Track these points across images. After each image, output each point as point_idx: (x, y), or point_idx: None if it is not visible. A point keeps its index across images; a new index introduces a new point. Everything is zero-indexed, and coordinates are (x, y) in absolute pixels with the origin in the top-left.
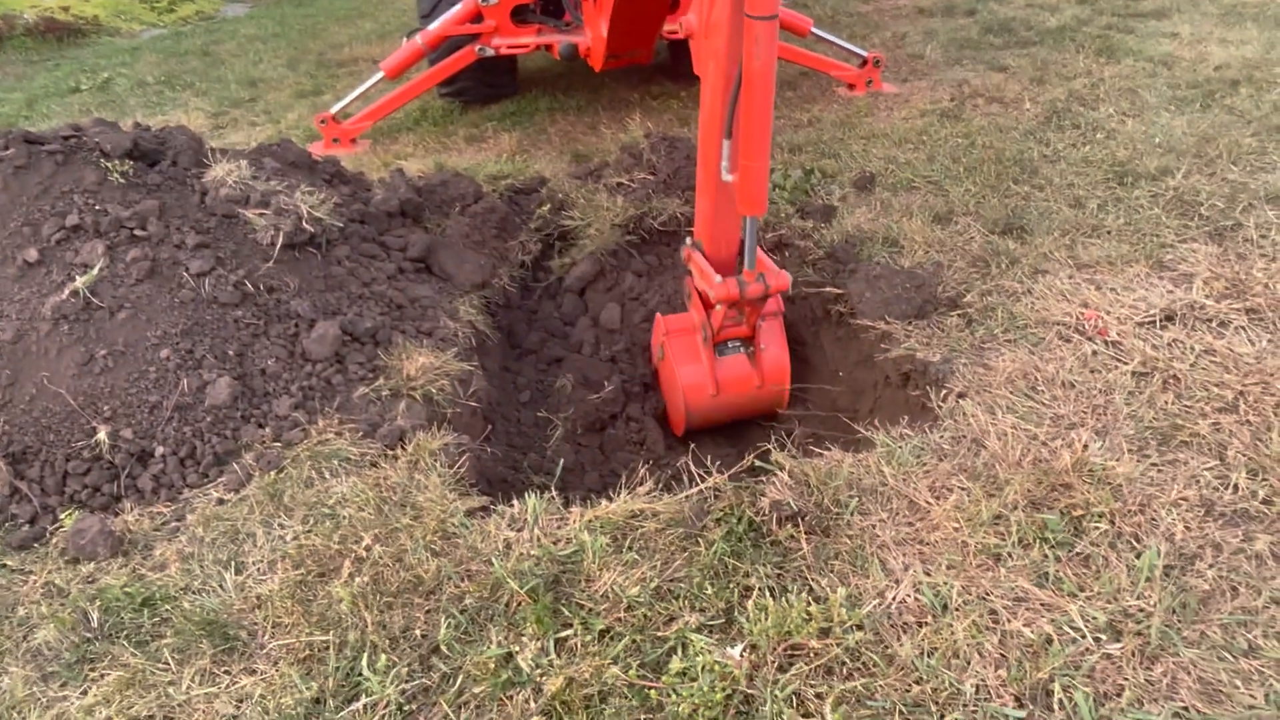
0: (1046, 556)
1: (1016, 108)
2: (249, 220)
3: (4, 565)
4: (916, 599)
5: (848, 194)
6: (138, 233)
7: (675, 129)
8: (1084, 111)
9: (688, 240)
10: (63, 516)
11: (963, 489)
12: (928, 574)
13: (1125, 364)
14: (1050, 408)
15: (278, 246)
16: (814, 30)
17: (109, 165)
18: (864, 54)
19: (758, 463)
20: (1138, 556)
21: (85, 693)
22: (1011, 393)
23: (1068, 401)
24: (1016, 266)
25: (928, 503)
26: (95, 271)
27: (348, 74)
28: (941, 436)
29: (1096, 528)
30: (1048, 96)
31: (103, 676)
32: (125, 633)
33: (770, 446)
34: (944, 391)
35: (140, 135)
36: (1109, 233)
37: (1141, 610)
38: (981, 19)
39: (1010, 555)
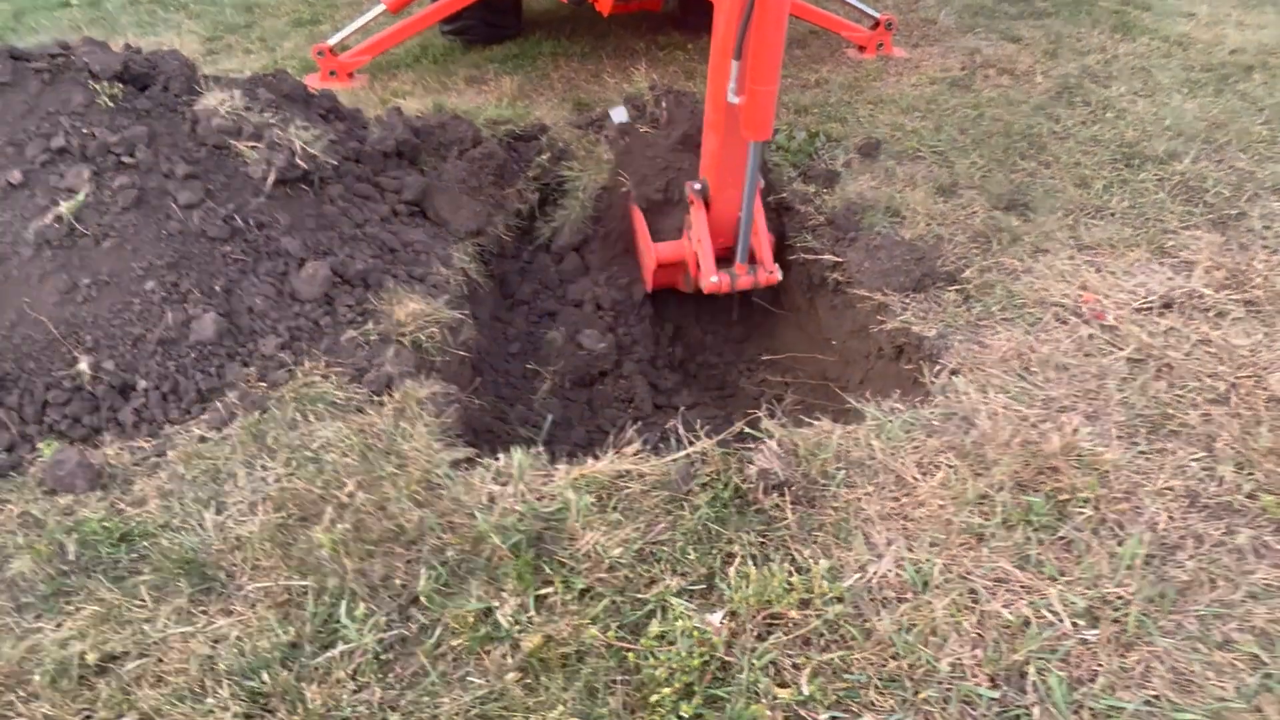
0: (1029, 539)
1: (1028, 81)
2: (241, 153)
3: None
4: (898, 575)
5: (852, 160)
6: (125, 159)
7: (681, 82)
8: (1095, 89)
9: (695, 185)
10: (41, 446)
11: (950, 467)
12: (910, 550)
13: (1120, 350)
14: (1043, 390)
15: (269, 182)
16: None
17: (98, 87)
18: (876, 16)
19: (747, 430)
20: (1120, 544)
21: (59, 625)
22: (1005, 372)
23: (1060, 384)
24: (1018, 244)
25: (914, 479)
26: (81, 197)
27: (347, 3)
28: (932, 413)
29: (1081, 513)
30: (1060, 71)
31: (78, 610)
32: (102, 567)
33: (760, 414)
34: (937, 367)
35: (131, 58)
36: (1113, 215)
37: (1120, 598)
38: None
39: (993, 536)
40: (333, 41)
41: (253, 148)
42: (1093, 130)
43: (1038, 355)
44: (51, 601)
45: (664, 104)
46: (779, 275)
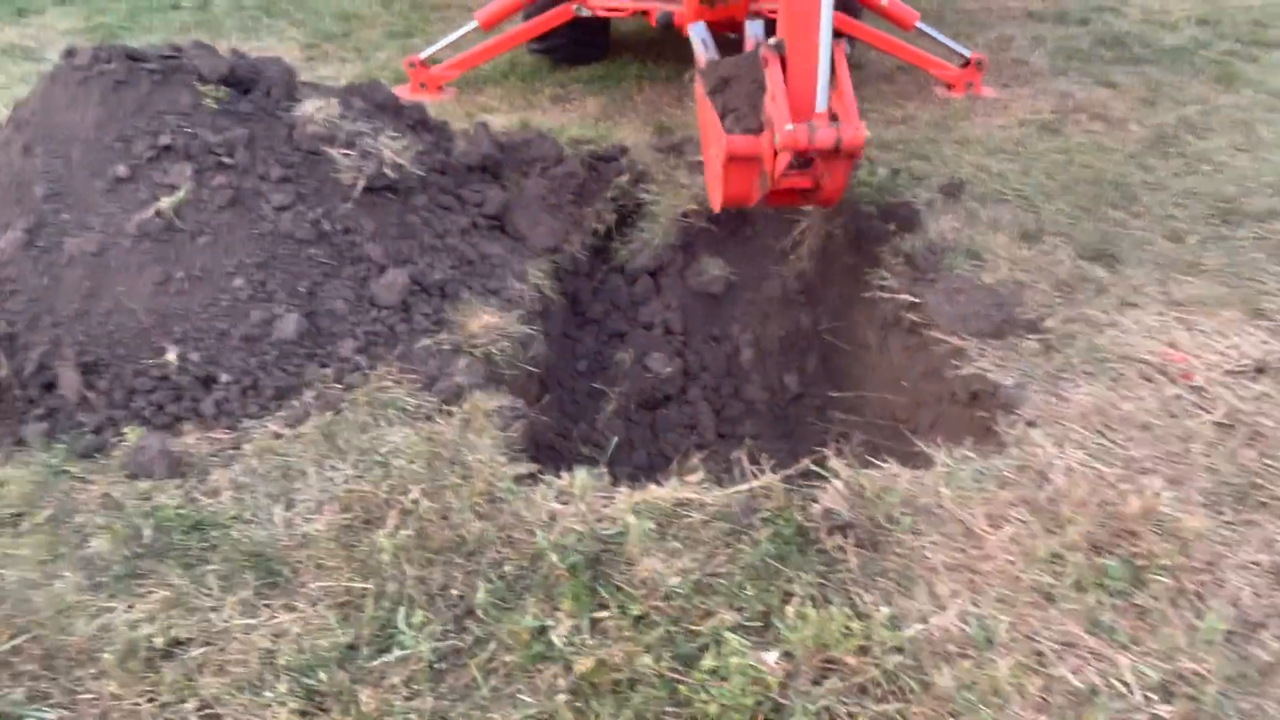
0: (1102, 604)
1: (1121, 128)
2: (333, 159)
3: (67, 471)
4: (961, 629)
5: (935, 199)
6: (225, 160)
7: None
8: (1193, 140)
9: (769, 40)
10: (126, 431)
11: (1022, 521)
12: (975, 604)
13: (1208, 413)
14: (1123, 449)
15: (358, 189)
16: (919, 25)
17: (204, 89)
18: (967, 54)
19: (813, 467)
20: (1199, 617)
21: (131, 607)
22: (1084, 428)
23: (1143, 444)
24: (1104, 296)
25: (983, 531)
26: (181, 194)
27: (440, 18)
28: (1005, 464)
29: (1158, 580)
30: (1156, 120)
31: (149, 593)
32: (174, 553)
33: (828, 452)
34: (1013, 417)
35: (237, 63)
36: (1206, 272)
37: (1197, 674)
38: (1095, 30)
39: (1064, 597)
40: (425, 55)
41: (345, 155)
42: (1188, 183)
43: (1119, 413)
44: (125, 583)
45: None
46: (865, 132)
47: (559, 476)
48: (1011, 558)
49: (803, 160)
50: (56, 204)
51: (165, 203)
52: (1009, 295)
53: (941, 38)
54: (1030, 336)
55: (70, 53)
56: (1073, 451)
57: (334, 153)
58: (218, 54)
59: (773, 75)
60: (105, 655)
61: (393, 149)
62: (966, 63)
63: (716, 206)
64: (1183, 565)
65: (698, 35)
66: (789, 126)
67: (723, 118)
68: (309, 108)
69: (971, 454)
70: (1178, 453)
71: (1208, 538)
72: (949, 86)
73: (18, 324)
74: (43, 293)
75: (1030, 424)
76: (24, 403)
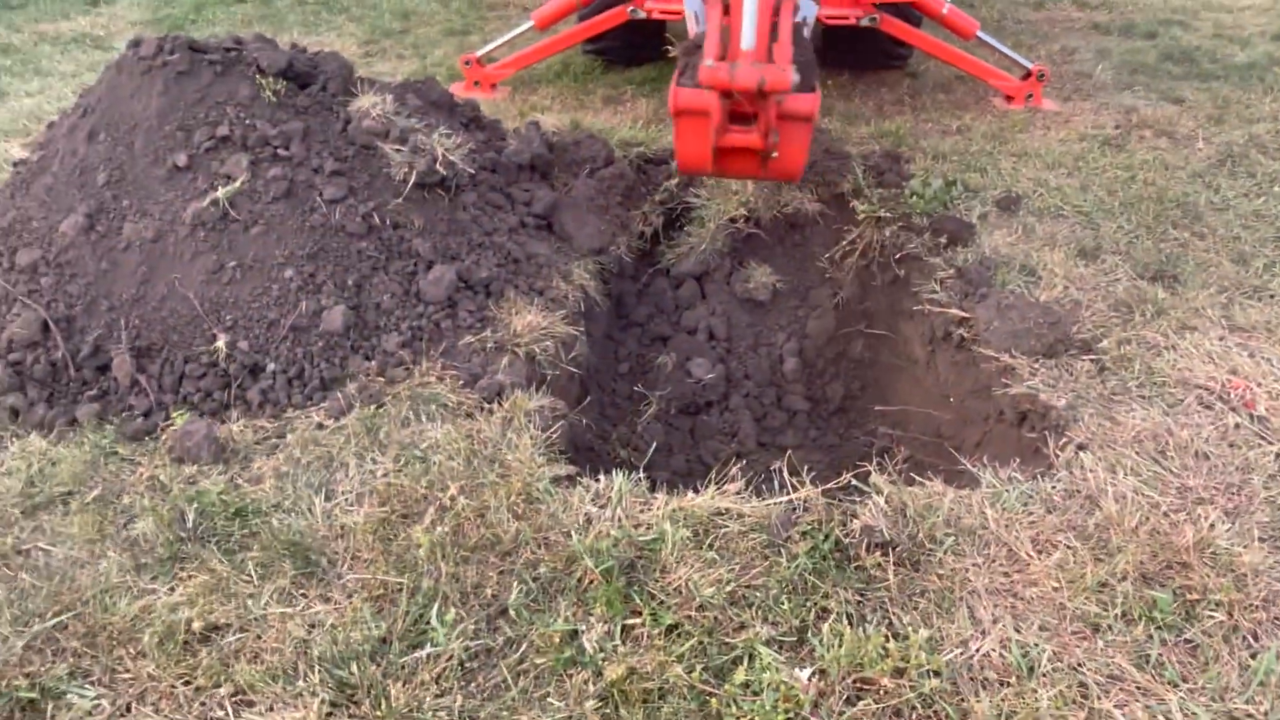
0: (1151, 637)
1: (1187, 146)
2: (386, 154)
3: (116, 453)
4: (1002, 655)
5: (989, 213)
6: (280, 152)
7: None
8: (1263, 160)
9: None
10: (174, 415)
11: (1069, 547)
12: (1018, 631)
13: (1270, 444)
14: (1178, 477)
15: (409, 184)
16: (979, 34)
17: (263, 82)
18: (1029, 65)
19: (854, 482)
20: (1253, 656)
21: (173, 590)
22: (1138, 454)
23: (1199, 474)
24: (1163, 318)
25: (1029, 555)
26: (237, 184)
27: (497, 17)
28: (1054, 487)
29: (1211, 616)
30: (1224, 138)
31: (190, 577)
32: (216, 538)
33: (870, 467)
34: (1064, 440)
35: (296, 56)
36: (1273, 297)
37: (1249, 715)
38: (1162, 44)
39: (1111, 628)
40: (480, 53)
41: (397, 150)
42: (1256, 204)
43: (1176, 440)
44: (167, 565)
45: None
46: (792, 76)
47: (596, 480)
48: (1057, 585)
49: (744, 114)
50: (117, 190)
51: (221, 192)
52: (1063, 313)
53: (1002, 48)
54: (1084, 357)
55: (136, 43)
56: (1125, 478)
57: (387, 148)
58: (278, 48)
59: (711, 17)
60: (145, 636)
61: (445, 146)
62: (1028, 74)
63: (679, 169)
64: (1238, 601)
65: (691, 8)
66: (709, 62)
67: (680, 76)
68: (364, 103)
69: (1019, 475)
70: (1236, 484)
71: (1265, 574)
72: (1008, 98)
73: (76, 307)
74: (100, 277)
75: (1081, 447)
76: (78, 384)
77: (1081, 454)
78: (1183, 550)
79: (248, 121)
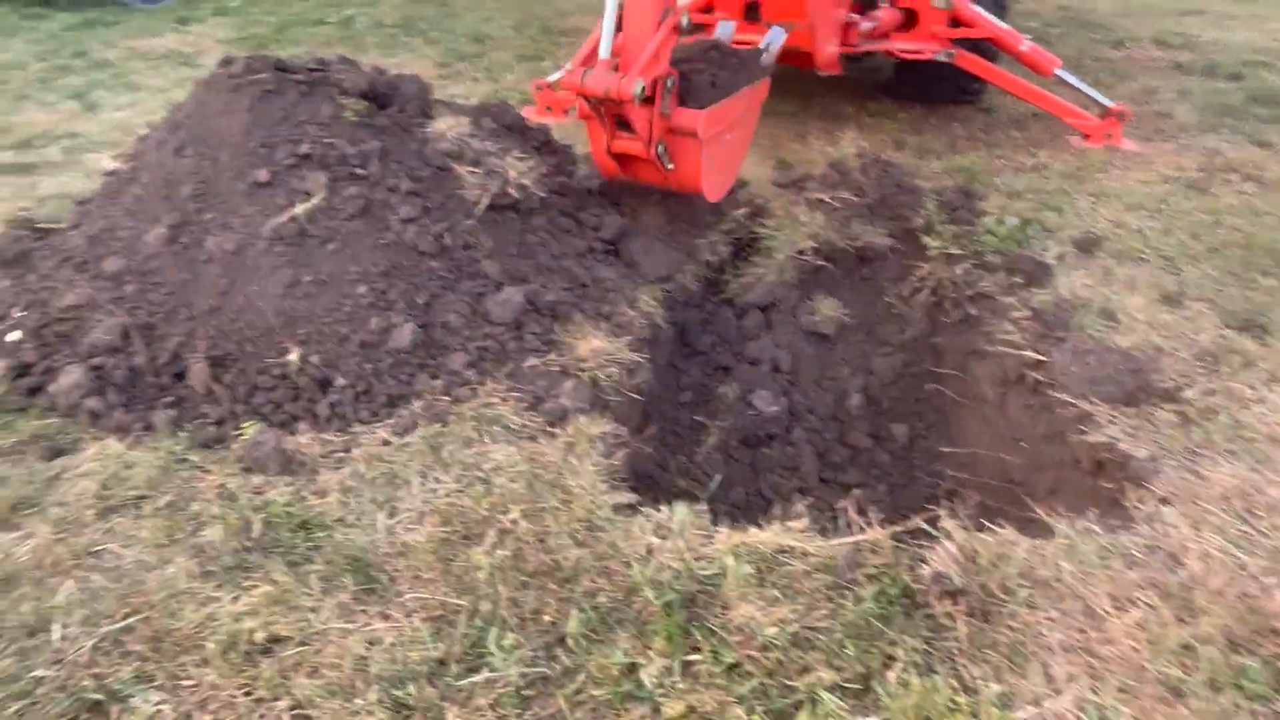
0: (1239, 707)
1: (1276, 191)
2: (460, 176)
3: (188, 460)
4: (1078, 716)
5: (1066, 254)
6: (358, 171)
7: (890, 151)
8: None
9: None
10: (245, 425)
11: (1150, 606)
12: (1095, 692)
13: None
14: (1269, 538)
15: (482, 206)
16: (1058, 72)
17: (345, 102)
18: (1108, 104)
19: (924, 525)
20: None
21: (236, 599)
22: (1224, 511)
23: None
24: (1251, 370)
25: (1106, 612)
26: (315, 201)
27: (569, 43)
28: (1134, 541)
29: None
30: None
31: (254, 587)
32: (281, 550)
33: (940, 511)
34: (1144, 492)
35: (376, 78)
36: None
37: None
38: (1248, 85)
39: (1194, 694)
40: (552, 78)
41: (471, 173)
42: None
43: (1265, 498)
44: (232, 574)
45: (871, 172)
46: (631, 89)
47: (658, 509)
48: (1137, 645)
49: (622, 121)
50: (201, 203)
51: (300, 209)
52: (1145, 361)
53: (1082, 85)
54: (1166, 407)
55: (226, 61)
56: (1210, 536)
57: (461, 170)
58: (359, 69)
59: (601, 25)
60: (209, 644)
61: (518, 169)
62: (1106, 113)
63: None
64: None
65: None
66: (568, 66)
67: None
68: (441, 125)
69: (1096, 527)
70: None
71: None
72: (1086, 136)
73: (158, 314)
74: (181, 287)
75: (1163, 501)
76: (155, 389)
77: (1163, 508)
78: (1273, 616)
79: (328, 140)
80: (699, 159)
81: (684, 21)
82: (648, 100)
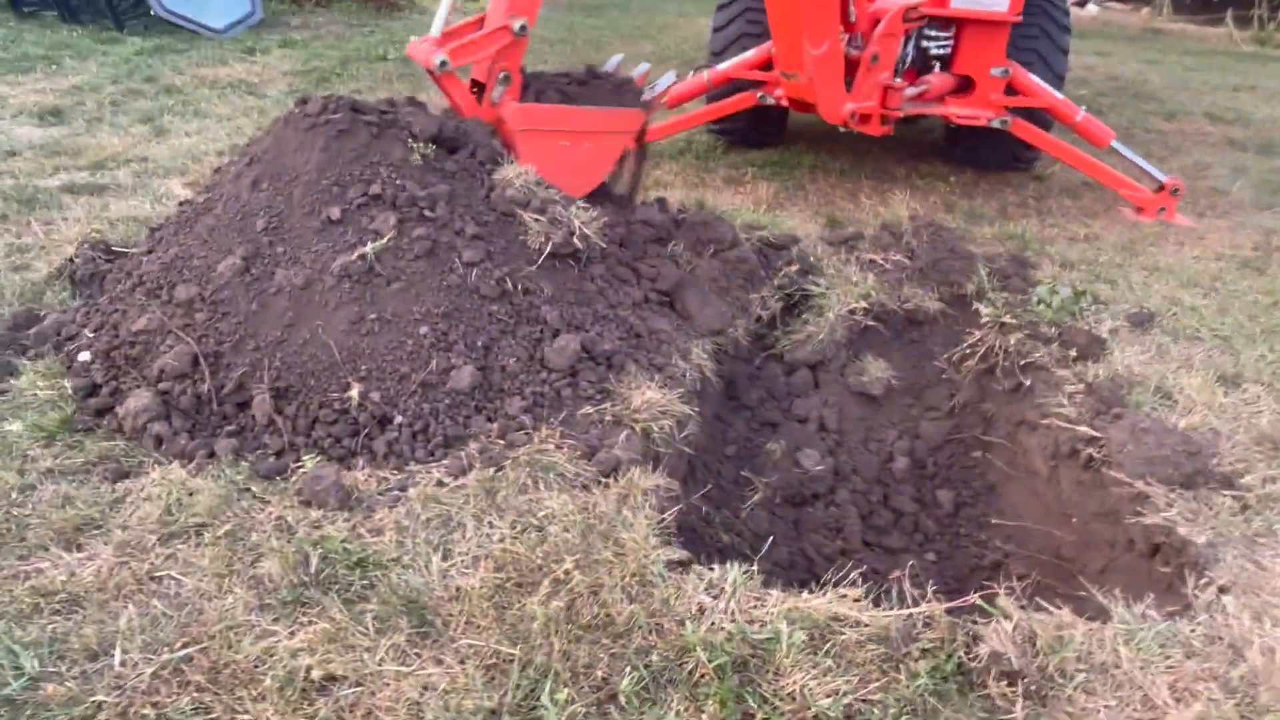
0: None
1: None
2: (525, 222)
3: (249, 490)
4: None
5: (1120, 328)
6: (427, 213)
7: (940, 214)
8: None
9: None
10: (305, 458)
11: (1212, 700)
12: None
13: None
14: None
15: (544, 254)
16: (1113, 144)
17: (415, 145)
18: (1162, 178)
19: (980, 602)
20: None
21: (293, 634)
22: None
23: None
24: None
25: (1166, 703)
26: (384, 241)
27: None
28: (1193, 630)
29: None
30: None
31: (311, 623)
32: (337, 587)
33: (998, 589)
34: (1204, 580)
35: (445, 123)
36: None
37: None
38: None
39: None
40: None
41: (536, 220)
42: None
43: None
44: (290, 608)
45: (923, 235)
46: (432, 59)
47: (710, 568)
48: None
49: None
50: (273, 237)
51: (369, 248)
52: (1204, 443)
53: (1135, 158)
54: (1225, 492)
55: (303, 101)
56: (1273, 629)
57: (526, 216)
58: (429, 113)
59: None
60: (266, 680)
61: (582, 219)
62: (1161, 187)
63: None
64: None
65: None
66: (413, 38)
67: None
68: (509, 172)
69: (1154, 613)
70: None
71: None
72: (1139, 209)
73: (225, 344)
74: (250, 317)
75: (1223, 590)
76: (219, 418)
77: (1224, 597)
78: None
79: (398, 181)
80: (516, 146)
81: (515, 26)
82: (479, 87)
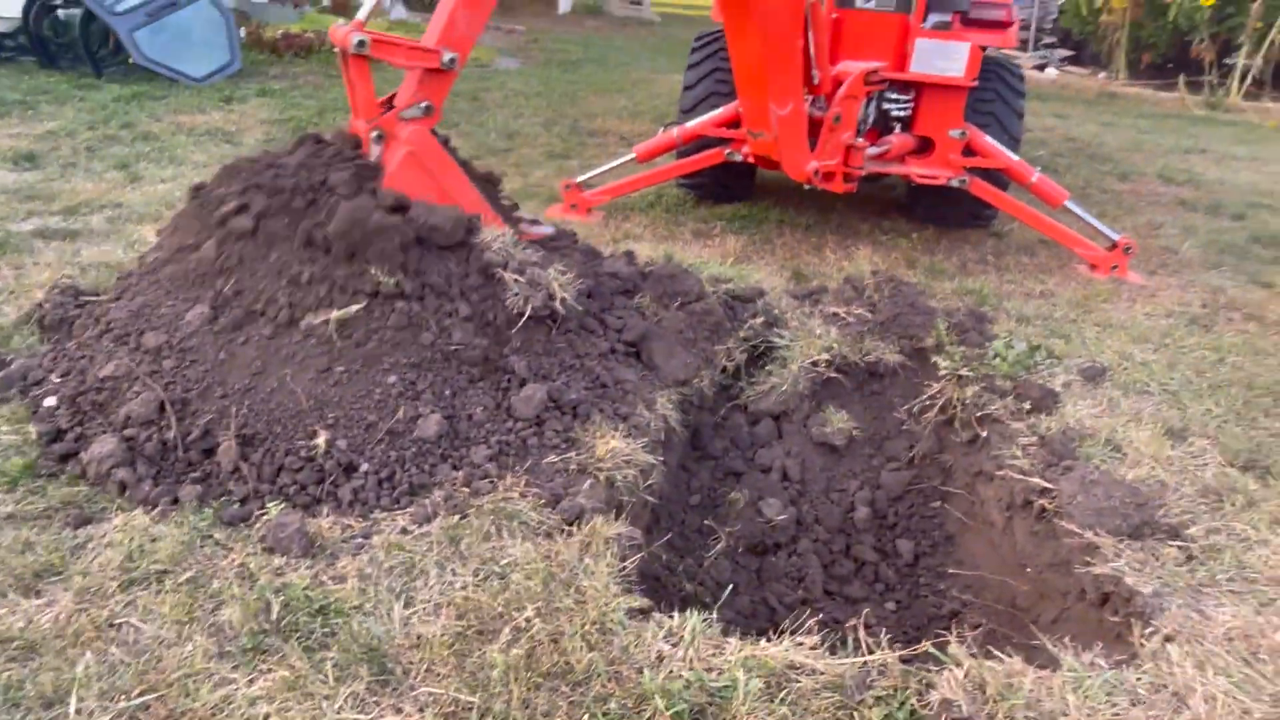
0: None
1: (1277, 332)
2: (505, 282)
3: (212, 537)
4: None
5: (1073, 382)
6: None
7: (903, 270)
8: None
9: None
10: (270, 505)
11: None
12: None
13: None
14: (1272, 683)
15: (525, 316)
16: (1067, 204)
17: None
18: (1115, 237)
19: (932, 650)
20: None
21: (252, 682)
22: (1228, 653)
23: None
24: (1254, 510)
25: None
26: (355, 308)
27: (596, 144)
28: (1139, 679)
29: None
30: None
31: (270, 671)
32: (298, 634)
33: (950, 637)
34: (1150, 629)
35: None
36: None
37: None
38: (1251, 225)
39: None
40: (580, 178)
41: (516, 280)
42: None
43: (1268, 643)
44: (249, 656)
45: (885, 290)
46: (349, 39)
47: (670, 616)
48: None
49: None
50: (243, 288)
51: (336, 314)
52: (1150, 495)
53: (1089, 217)
54: (1171, 543)
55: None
56: (1215, 677)
57: (506, 276)
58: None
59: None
60: None
61: (560, 281)
62: (1114, 245)
63: None
64: None
65: None
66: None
67: None
68: (487, 235)
69: (1102, 662)
70: None
71: None
72: (1093, 267)
73: (192, 391)
74: (217, 365)
75: (1168, 639)
76: (184, 464)
77: (1169, 646)
78: None
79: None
80: (395, 163)
81: (445, 58)
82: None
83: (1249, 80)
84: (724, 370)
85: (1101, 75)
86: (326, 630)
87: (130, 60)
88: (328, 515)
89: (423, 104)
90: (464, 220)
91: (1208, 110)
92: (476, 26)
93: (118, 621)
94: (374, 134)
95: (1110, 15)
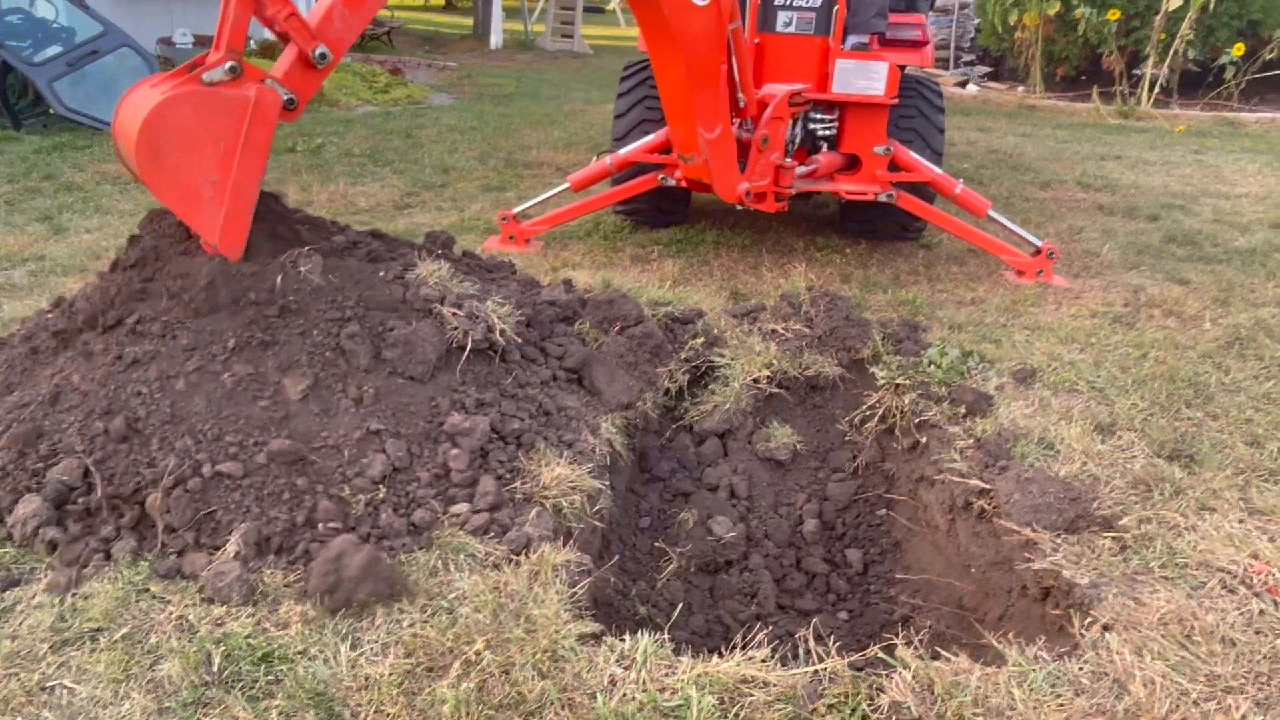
0: None
1: (1195, 326)
2: (443, 317)
3: (148, 590)
4: None
5: (1005, 384)
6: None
7: (837, 284)
8: (1270, 344)
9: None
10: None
11: None
12: None
13: None
14: (1206, 664)
15: (466, 350)
16: (990, 213)
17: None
18: (1038, 243)
19: (880, 654)
20: None
21: None
22: (1163, 637)
23: (1226, 661)
24: (1181, 498)
25: None
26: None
27: (532, 175)
28: (1081, 668)
29: None
30: (1231, 320)
31: None
32: (241, 684)
33: (897, 640)
34: (1089, 619)
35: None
36: None
37: None
38: (1165, 226)
39: None
40: (517, 210)
41: (454, 314)
42: (1266, 387)
43: (1201, 624)
44: (191, 710)
45: (820, 304)
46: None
47: (621, 639)
48: None
49: None
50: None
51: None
52: (1083, 489)
53: (1012, 225)
54: (1105, 534)
55: None
56: (1152, 662)
57: (444, 311)
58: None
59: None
60: None
61: (500, 314)
62: (1038, 251)
63: None
64: None
65: None
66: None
67: None
68: (424, 270)
69: (1045, 654)
70: (1264, 673)
71: None
72: (1019, 273)
73: (121, 448)
74: (147, 417)
75: (1107, 628)
76: (115, 518)
77: (1107, 635)
78: None
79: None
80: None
81: (315, 52)
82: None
83: (1157, 89)
84: (667, 392)
85: (1020, 89)
86: (271, 678)
87: (51, 111)
88: (270, 562)
89: (229, 64)
90: None
91: (1121, 119)
92: (354, 27)
93: (49, 684)
94: (229, 64)
95: (1024, 32)
